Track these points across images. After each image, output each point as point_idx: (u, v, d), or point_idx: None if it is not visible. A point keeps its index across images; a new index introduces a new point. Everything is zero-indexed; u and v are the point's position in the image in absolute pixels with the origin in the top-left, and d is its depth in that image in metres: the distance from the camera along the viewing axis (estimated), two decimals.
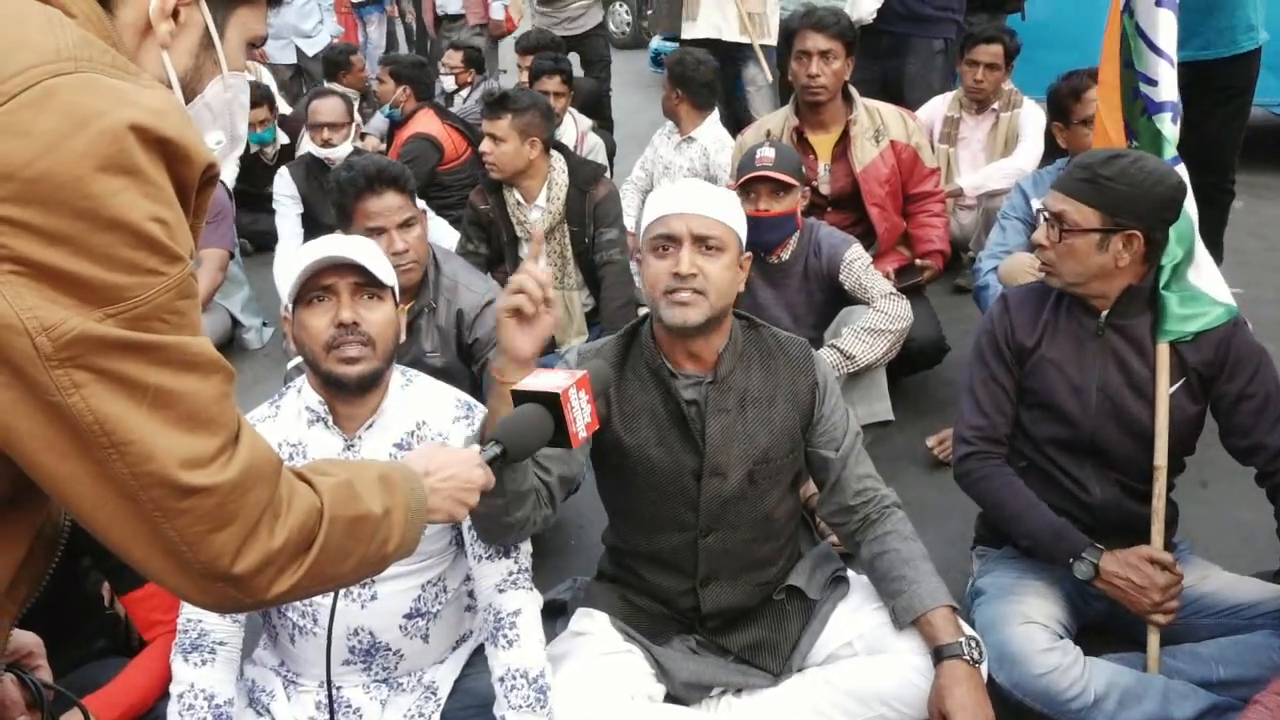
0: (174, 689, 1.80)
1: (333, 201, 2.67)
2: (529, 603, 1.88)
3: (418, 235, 2.63)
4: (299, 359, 2.41)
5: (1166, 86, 2.28)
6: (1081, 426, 2.17)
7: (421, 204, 4.41)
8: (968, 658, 1.84)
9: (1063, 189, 2.10)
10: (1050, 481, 2.23)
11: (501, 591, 1.88)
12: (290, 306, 1.85)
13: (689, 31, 5.29)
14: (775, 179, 2.93)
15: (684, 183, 2.04)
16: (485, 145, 3.39)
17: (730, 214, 1.96)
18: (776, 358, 2.04)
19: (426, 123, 5.07)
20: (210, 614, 1.82)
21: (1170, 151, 2.27)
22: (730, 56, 5.24)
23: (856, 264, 3.02)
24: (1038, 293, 2.26)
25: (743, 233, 1.99)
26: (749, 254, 2.02)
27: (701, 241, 1.90)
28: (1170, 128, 2.27)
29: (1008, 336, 2.24)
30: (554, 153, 3.48)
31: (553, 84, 4.70)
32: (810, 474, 2.13)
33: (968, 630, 1.91)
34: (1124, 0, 2.36)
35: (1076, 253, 2.08)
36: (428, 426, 1.91)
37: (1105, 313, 2.16)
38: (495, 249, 3.55)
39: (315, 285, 1.81)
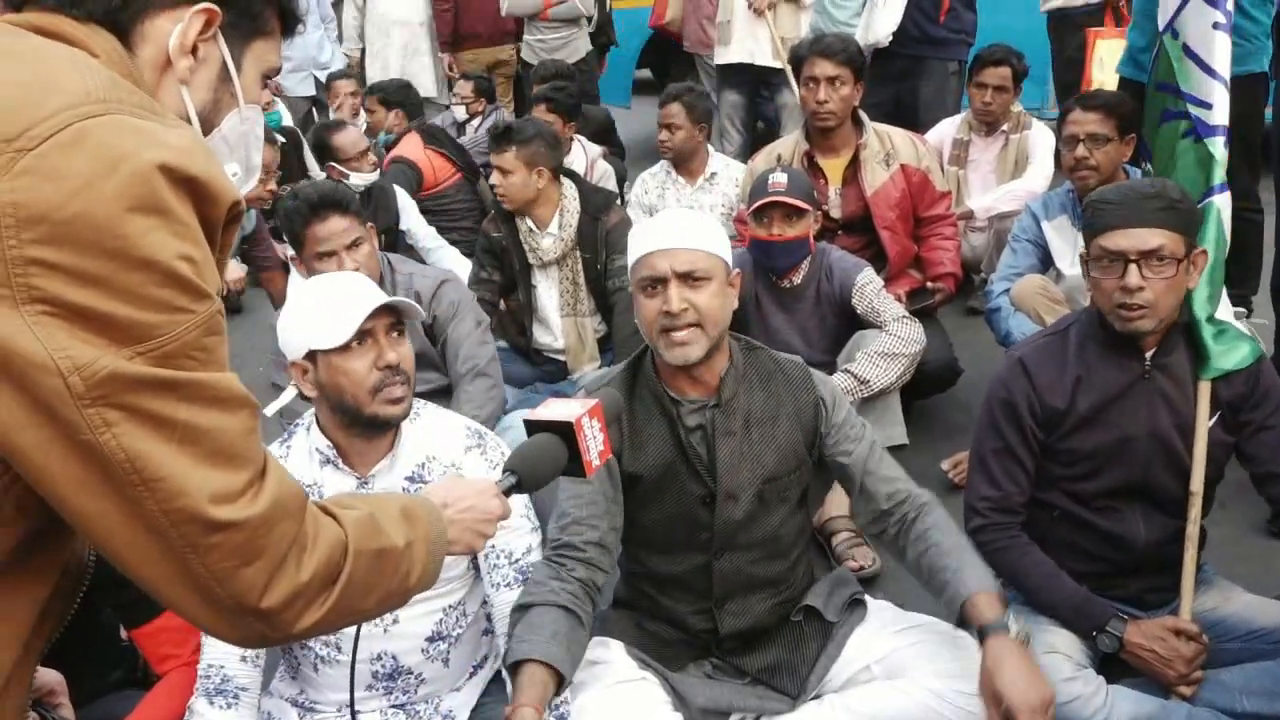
0: None
1: (284, 230, 2.75)
2: None
3: (366, 253, 2.74)
4: (281, 404, 2.42)
5: (1220, 110, 2.26)
6: (1132, 474, 2.13)
7: (434, 233, 4.45)
8: (1012, 632, 1.79)
9: (1151, 223, 1.99)
10: (1088, 529, 2.18)
11: None
12: (313, 352, 1.82)
13: (721, 57, 5.35)
14: (788, 204, 2.94)
15: (662, 217, 2.07)
16: (495, 178, 3.42)
17: (711, 240, 1.97)
18: (776, 378, 2.05)
19: (409, 148, 5.09)
20: (231, 660, 1.85)
21: (1220, 176, 2.26)
22: (764, 81, 5.28)
23: (869, 288, 3.03)
24: (1053, 348, 2.20)
25: (727, 254, 1.99)
26: (738, 270, 2.04)
27: (687, 276, 1.92)
28: (1222, 151, 2.26)
29: (1032, 402, 2.15)
30: (566, 180, 3.50)
31: (538, 112, 4.62)
32: (841, 486, 2.13)
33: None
34: (1166, 21, 2.35)
35: (1176, 285, 2.02)
36: (437, 461, 1.92)
37: (1151, 352, 2.11)
38: (508, 276, 3.58)
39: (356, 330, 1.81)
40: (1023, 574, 2.18)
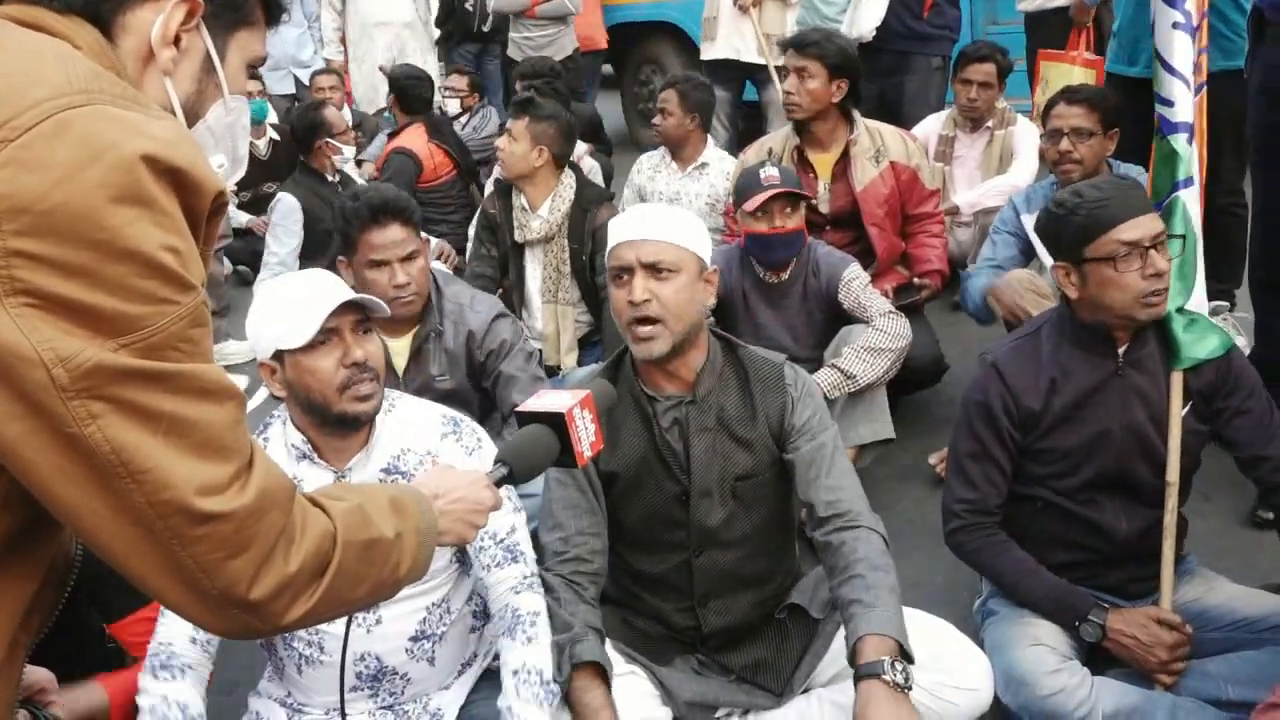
0: (144, 701, 1.78)
1: (337, 229, 2.68)
2: (545, 606, 1.91)
3: (420, 268, 2.64)
4: (258, 402, 2.41)
5: (1182, 107, 2.30)
6: (1109, 466, 2.14)
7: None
8: (888, 678, 1.69)
9: (1146, 210, 2.06)
10: (1071, 519, 2.19)
11: (518, 593, 1.90)
12: (279, 352, 1.81)
13: (708, 52, 5.43)
14: (790, 194, 2.96)
15: (636, 209, 2.08)
16: (501, 141, 3.53)
17: (684, 234, 1.96)
18: (752, 377, 2.04)
19: (412, 138, 5.14)
20: (181, 640, 1.82)
21: (1184, 172, 2.29)
22: (750, 77, 5.31)
23: (855, 283, 3.04)
24: (1026, 350, 2.21)
25: (703, 249, 1.99)
26: (715, 267, 2.03)
27: (652, 268, 1.92)
28: (1186, 147, 2.29)
29: (1008, 405, 2.17)
30: (568, 171, 3.57)
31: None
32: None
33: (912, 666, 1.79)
34: (1150, 23, 2.40)
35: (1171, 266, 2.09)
36: (412, 452, 1.91)
37: (1124, 348, 2.13)
38: (502, 253, 3.62)
39: (319, 329, 1.80)
40: (1002, 572, 2.19)
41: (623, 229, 1.98)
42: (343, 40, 7.12)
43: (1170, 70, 2.31)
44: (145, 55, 1.00)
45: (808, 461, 1.99)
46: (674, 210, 2.09)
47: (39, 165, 0.81)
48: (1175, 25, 2.29)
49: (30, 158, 0.81)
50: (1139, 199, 2.07)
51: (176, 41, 1.01)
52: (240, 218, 5.56)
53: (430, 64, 6.82)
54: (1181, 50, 2.30)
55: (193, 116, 1.05)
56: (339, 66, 7.09)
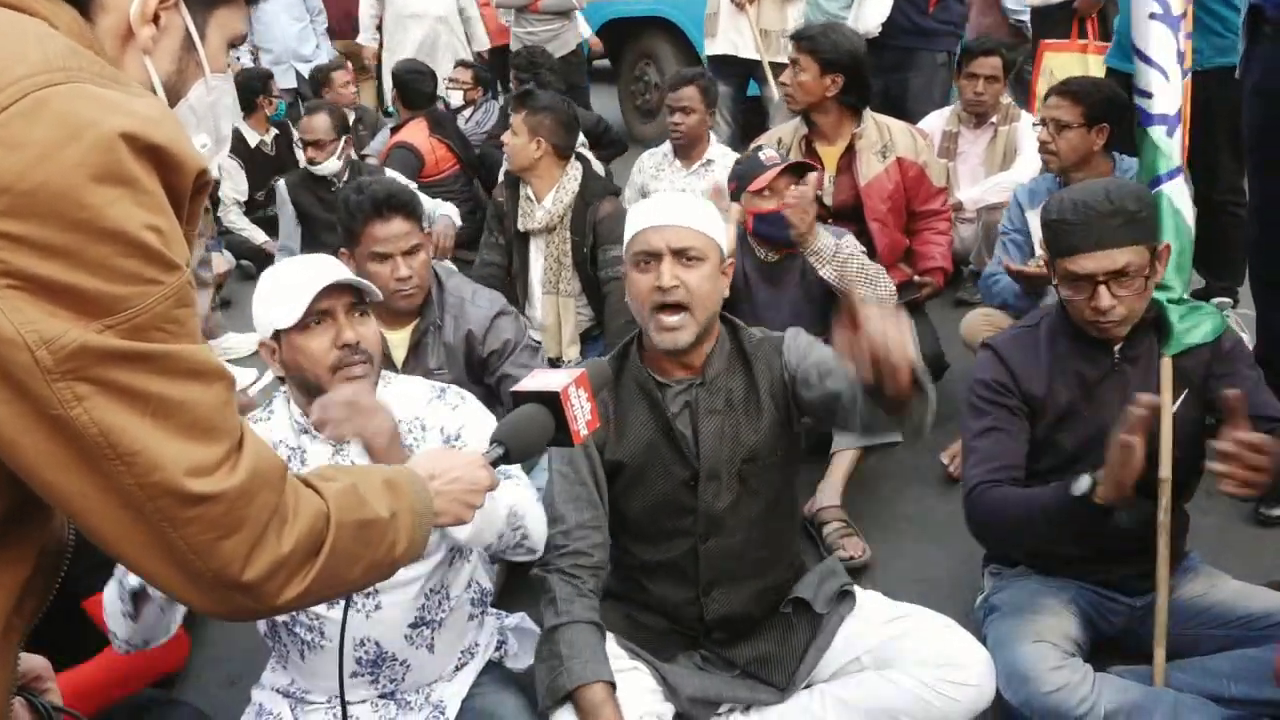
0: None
1: (340, 222, 2.69)
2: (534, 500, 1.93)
3: (422, 261, 2.65)
4: (262, 384, 2.41)
5: (1161, 99, 2.26)
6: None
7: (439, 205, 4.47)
8: None
9: (1114, 242, 1.98)
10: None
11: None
12: (277, 332, 1.84)
13: (709, 48, 5.46)
14: (794, 168, 2.97)
15: (659, 197, 2.09)
16: (506, 135, 3.57)
17: (708, 223, 1.97)
18: (756, 358, 2.05)
19: (413, 133, 5.19)
20: None
21: (1167, 165, 2.25)
22: (752, 73, 5.33)
23: (850, 252, 3.04)
24: (1026, 340, 2.20)
25: (723, 240, 2.00)
26: (731, 260, 2.05)
27: (681, 254, 1.92)
28: (1166, 141, 2.25)
29: (1009, 385, 2.15)
30: (575, 163, 3.58)
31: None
32: (823, 413, 2.00)
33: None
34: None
35: (1145, 292, 2.06)
36: (402, 422, 1.93)
37: (1119, 345, 2.12)
38: (508, 242, 3.65)
39: (311, 310, 1.82)
40: (1007, 508, 2.06)
41: (647, 215, 1.98)
42: (378, 28, 7.11)
43: (1147, 61, 2.26)
44: (124, 34, 0.99)
45: (805, 366, 1.96)
46: (697, 199, 2.09)
47: (16, 144, 0.80)
48: (1152, 15, 2.25)
49: (8, 137, 0.80)
50: (1109, 231, 1.99)
51: (156, 20, 1.00)
52: (257, 235, 5.54)
53: (451, 62, 6.77)
54: (1158, 40, 2.25)
55: (174, 96, 1.05)
56: (370, 54, 7.09)
